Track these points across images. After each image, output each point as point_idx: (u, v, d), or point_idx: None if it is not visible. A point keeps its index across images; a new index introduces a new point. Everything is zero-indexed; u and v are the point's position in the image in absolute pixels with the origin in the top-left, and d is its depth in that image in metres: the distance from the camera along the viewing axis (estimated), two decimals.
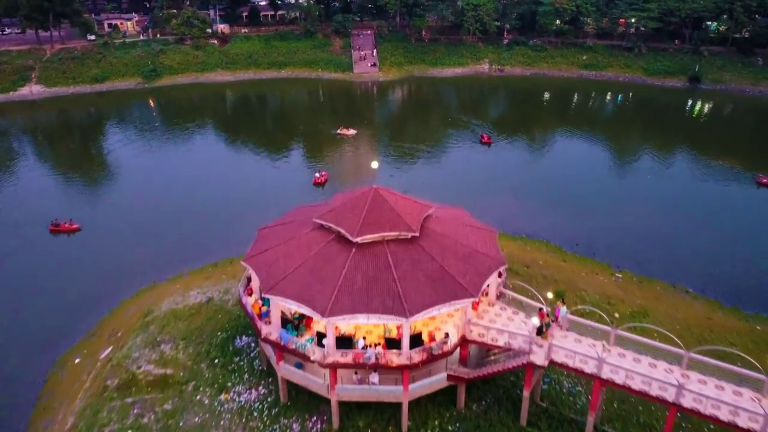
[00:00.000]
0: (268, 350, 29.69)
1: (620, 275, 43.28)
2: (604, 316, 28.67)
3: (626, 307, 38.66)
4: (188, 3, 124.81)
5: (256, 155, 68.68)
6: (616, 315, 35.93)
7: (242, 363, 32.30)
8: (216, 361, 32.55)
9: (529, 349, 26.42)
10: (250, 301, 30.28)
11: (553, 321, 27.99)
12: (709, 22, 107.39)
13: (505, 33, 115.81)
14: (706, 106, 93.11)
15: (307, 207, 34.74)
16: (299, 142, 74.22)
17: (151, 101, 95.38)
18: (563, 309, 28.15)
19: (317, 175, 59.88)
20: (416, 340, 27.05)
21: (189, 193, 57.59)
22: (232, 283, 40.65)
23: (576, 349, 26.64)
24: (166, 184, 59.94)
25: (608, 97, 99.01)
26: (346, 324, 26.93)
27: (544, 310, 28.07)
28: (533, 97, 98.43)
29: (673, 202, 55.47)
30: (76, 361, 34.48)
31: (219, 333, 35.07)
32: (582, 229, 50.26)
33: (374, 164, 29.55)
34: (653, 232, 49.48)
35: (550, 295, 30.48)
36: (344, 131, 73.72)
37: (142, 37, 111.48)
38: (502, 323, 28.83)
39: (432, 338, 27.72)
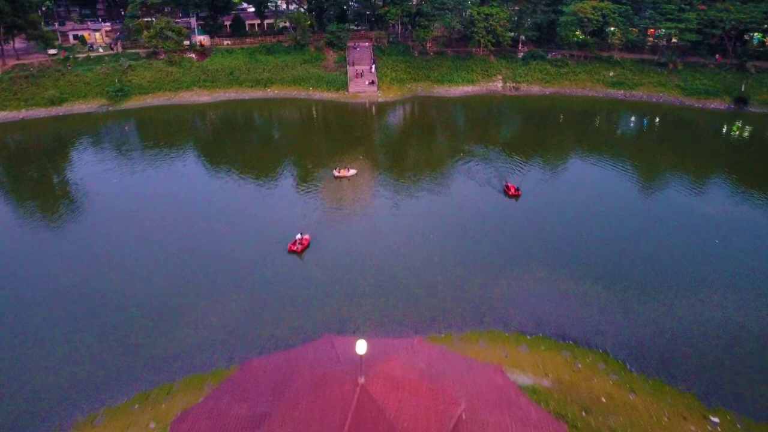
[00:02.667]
0: None
1: (717, 419, 30.40)
2: None
3: None
4: (168, 10, 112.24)
5: (225, 203, 55.47)
6: None
7: None
8: None
9: None
10: None
11: None
12: (753, 34, 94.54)
13: (520, 45, 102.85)
14: (759, 134, 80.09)
15: (261, 361, 21.99)
16: (282, 184, 60.85)
17: (126, 127, 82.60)
18: None
19: (298, 237, 47.16)
20: None
21: (132, 264, 44.78)
22: None
23: None
24: (106, 251, 46.98)
25: (641, 122, 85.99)
26: None
27: None
28: (557, 121, 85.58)
29: (759, 283, 42.56)
30: None
31: None
32: (646, 328, 37.42)
33: (361, 347, 16.82)
34: (745, 336, 36.63)
35: None
36: (343, 172, 61.07)
37: (109, 51, 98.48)
38: None
39: None
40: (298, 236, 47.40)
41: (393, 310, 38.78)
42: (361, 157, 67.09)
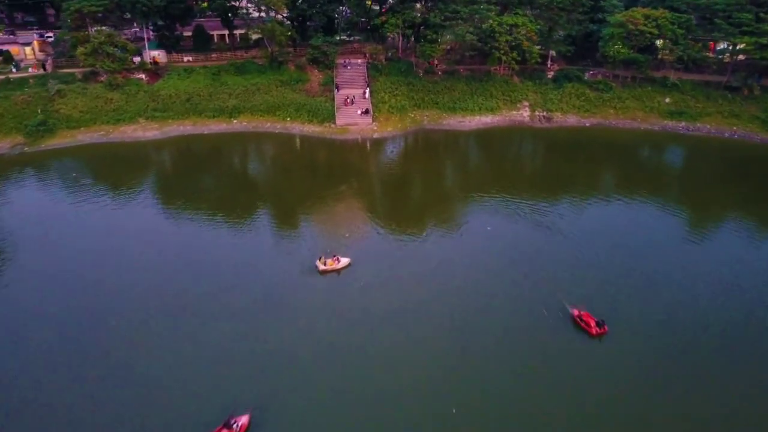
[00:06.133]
0: None
1: None
2: None
3: None
4: (121, 18, 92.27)
5: (132, 339, 35.58)
6: None
7: None
8: None
9: None
10: None
11: None
12: None
13: (549, 62, 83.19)
14: None
15: None
16: (231, 293, 40.22)
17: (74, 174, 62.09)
18: None
19: (234, 427, 27.91)
20: None
21: None
22: None
23: None
24: None
25: (725, 166, 65.99)
26: None
27: None
28: (608, 167, 65.46)
29: None
30: None
31: None
32: None
33: None
34: None
35: None
36: (331, 264, 41.78)
37: (40, 71, 78.76)
38: None
39: None
40: (234, 426, 28.07)
41: None
42: (347, 234, 47.30)
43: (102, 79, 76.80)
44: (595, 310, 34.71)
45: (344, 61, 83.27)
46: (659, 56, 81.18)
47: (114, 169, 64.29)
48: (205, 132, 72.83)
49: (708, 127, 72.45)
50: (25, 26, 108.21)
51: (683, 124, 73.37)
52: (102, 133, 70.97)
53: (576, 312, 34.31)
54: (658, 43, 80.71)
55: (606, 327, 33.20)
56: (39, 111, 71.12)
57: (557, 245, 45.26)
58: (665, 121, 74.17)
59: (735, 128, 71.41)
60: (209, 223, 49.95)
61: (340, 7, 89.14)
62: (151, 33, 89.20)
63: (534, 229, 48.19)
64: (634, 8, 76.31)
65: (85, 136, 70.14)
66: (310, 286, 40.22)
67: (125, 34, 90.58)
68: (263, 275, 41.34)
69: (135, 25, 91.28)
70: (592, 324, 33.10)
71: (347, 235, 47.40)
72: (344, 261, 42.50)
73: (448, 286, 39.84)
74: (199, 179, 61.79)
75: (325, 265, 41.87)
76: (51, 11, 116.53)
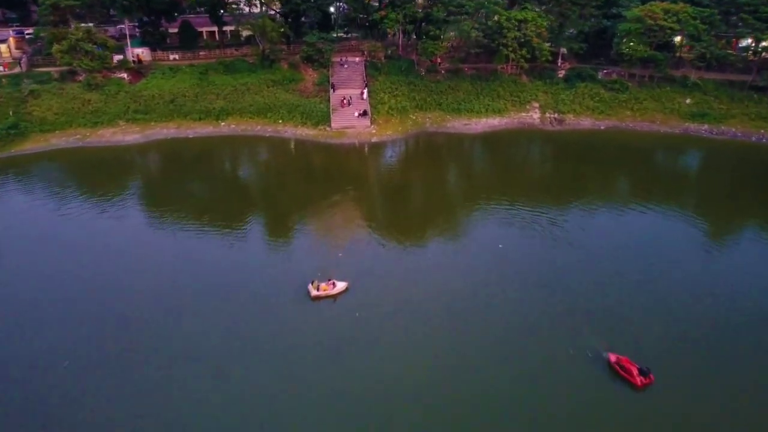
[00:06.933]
0: None
1: None
2: None
3: None
4: (107, 14, 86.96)
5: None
6: None
7: None
8: None
9: None
10: None
11: None
12: None
13: (560, 60, 77.83)
14: None
15: None
16: (200, 335, 35.17)
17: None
18: None
19: None
20: None
21: None
22: None
23: None
24: None
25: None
26: None
27: None
28: (628, 173, 59.72)
29: None
30: None
31: None
32: None
33: None
34: None
35: None
36: (325, 288, 36.50)
37: (16, 69, 73.46)
38: None
39: None
40: None
41: None
42: (340, 254, 41.91)
43: (80, 78, 71.57)
44: (633, 354, 29.08)
45: (341, 60, 77.93)
46: (678, 54, 75.95)
47: (90, 175, 58.80)
48: (190, 135, 67.50)
49: (733, 130, 67.09)
50: (6, 23, 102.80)
51: (706, 126, 68.01)
52: (78, 136, 65.67)
53: (613, 357, 28.69)
54: (677, 39, 75.67)
55: (652, 376, 27.58)
56: (10, 113, 65.91)
57: (580, 267, 39.73)
58: (686, 124, 68.81)
59: (763, 131, 66.07)
60: (190, 239, 44.43)
61: (337, 2, 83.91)
62: (136, 30, 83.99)
63: (552, 246, 42.79)
64: (653, 2, 70.81)
65: (59, 140, 64.85)
66: (302, 312, 34.81)
67: (109, 31, 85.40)
68: (242, 305, 35.74)
69: (125, 21, 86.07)
70: (635, 372, 27.47)
71: (341, 254, 41.98)
72: (340, 285, 37.11)
73: (460, 322, 34.01)
74: (180, 188, 56.29)
75: (318, 290, 36.54)
76: (34, 8, 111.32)
